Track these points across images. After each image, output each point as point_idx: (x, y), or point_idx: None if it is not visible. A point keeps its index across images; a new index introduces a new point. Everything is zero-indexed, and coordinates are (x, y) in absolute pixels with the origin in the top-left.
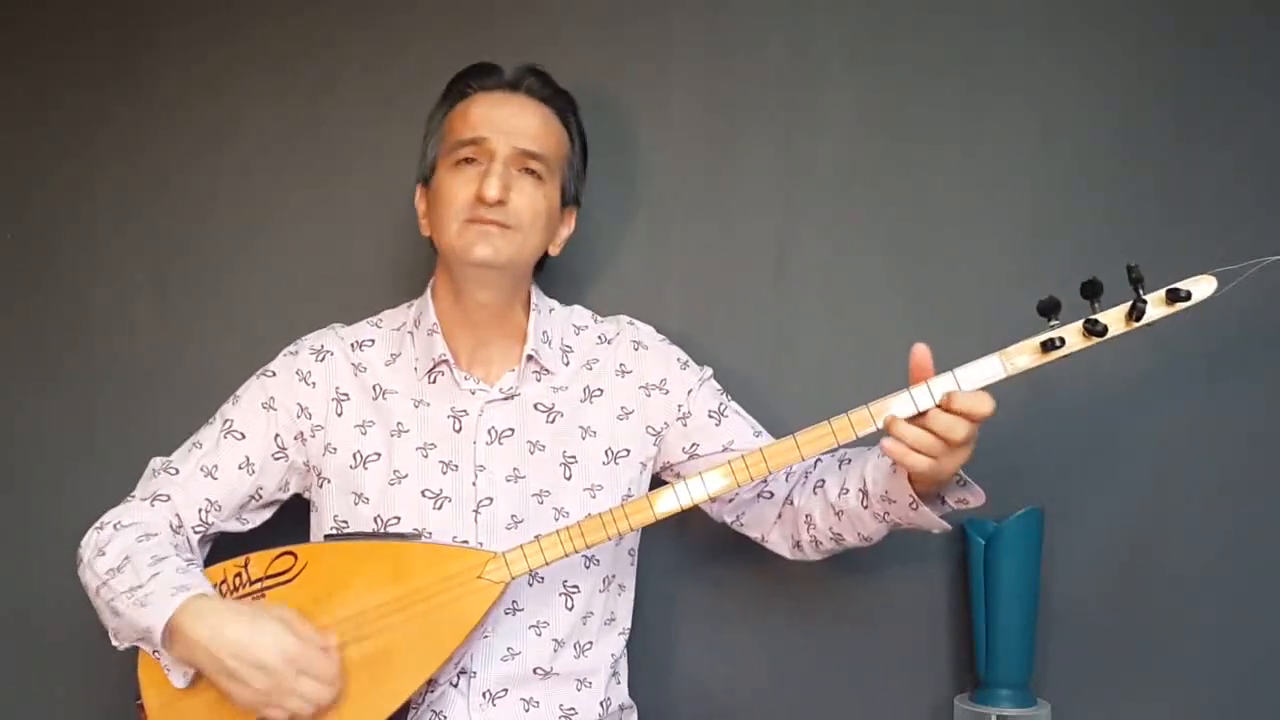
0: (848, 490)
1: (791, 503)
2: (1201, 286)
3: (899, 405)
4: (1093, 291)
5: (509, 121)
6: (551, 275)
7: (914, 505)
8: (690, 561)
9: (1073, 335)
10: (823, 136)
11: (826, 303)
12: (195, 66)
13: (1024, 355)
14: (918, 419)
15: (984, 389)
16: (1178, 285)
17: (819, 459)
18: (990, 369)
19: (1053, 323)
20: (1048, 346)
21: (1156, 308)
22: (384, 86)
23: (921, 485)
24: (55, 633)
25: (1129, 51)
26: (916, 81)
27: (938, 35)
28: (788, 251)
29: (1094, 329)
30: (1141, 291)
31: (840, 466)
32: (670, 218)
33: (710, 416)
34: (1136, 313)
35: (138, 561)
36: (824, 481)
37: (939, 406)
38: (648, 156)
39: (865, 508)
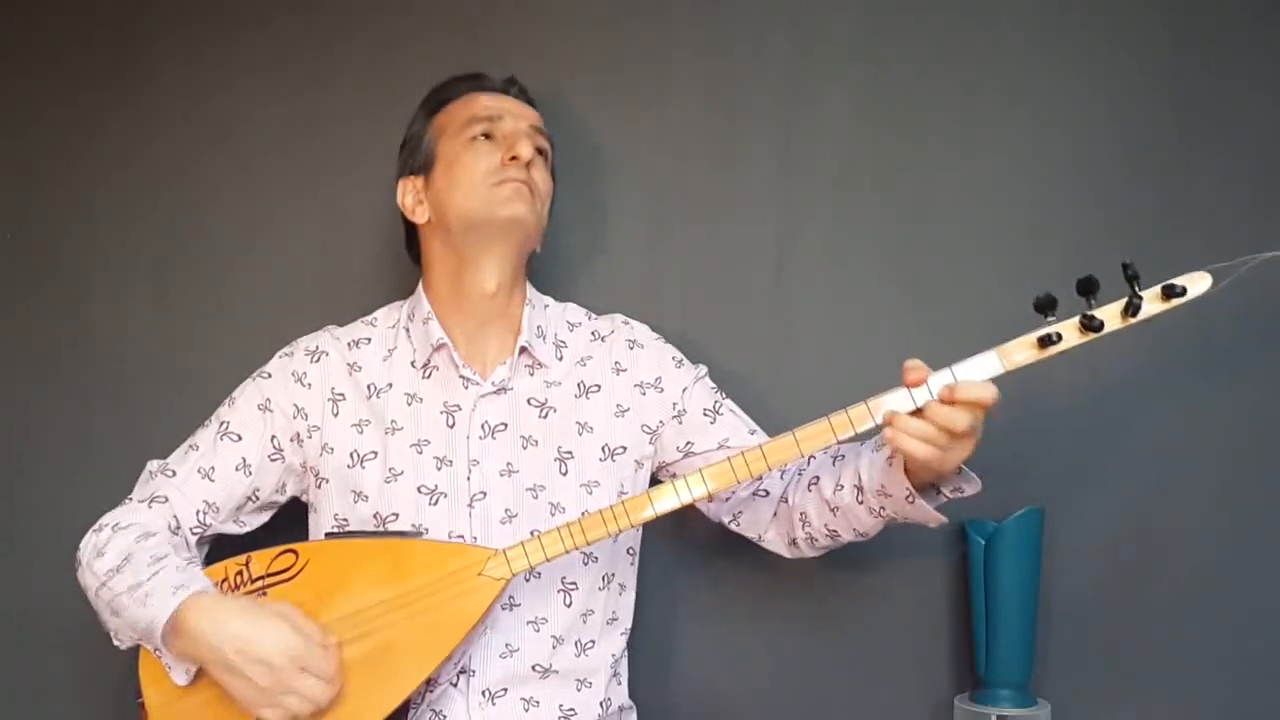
0: (842, 486)
1: (786, 500)
2: (1197, 283)
3: (897, 401)
4: (1088, 289)
5: (515, 109)
6: (550, 274)
7: (910, 499)
8: (690, 561)
9: (1069, 331)
10: (822, 136)
11: (826, 302)
12: (195, 66)
13: (1021, 351)
14: (917, 413)
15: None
16: (1173, 281)
17: (812, 456)
18: (988, 365)
19: (1049, 319)
20: (1045, 342)
21: (1152, 304)
22: (383, 86)
23: (917, 479)
24: (54, 632)
25: (1129, 51)
26: (916, 81)
27: (937, 35)
28: (787, 251)
29: (1090, 324)
30: (1137, 288)
31: (834, 463)
32: (670, 218)
33: (705, 414)
34: (1132, 309)
35: (137, 561)
36: (818, 478)
37: (941, 400)
38: (648, 156)
39: (860, 503)
